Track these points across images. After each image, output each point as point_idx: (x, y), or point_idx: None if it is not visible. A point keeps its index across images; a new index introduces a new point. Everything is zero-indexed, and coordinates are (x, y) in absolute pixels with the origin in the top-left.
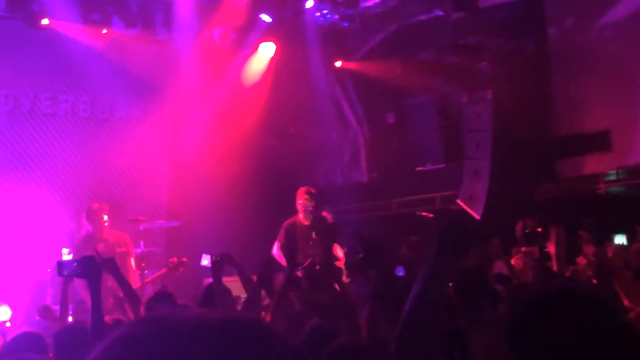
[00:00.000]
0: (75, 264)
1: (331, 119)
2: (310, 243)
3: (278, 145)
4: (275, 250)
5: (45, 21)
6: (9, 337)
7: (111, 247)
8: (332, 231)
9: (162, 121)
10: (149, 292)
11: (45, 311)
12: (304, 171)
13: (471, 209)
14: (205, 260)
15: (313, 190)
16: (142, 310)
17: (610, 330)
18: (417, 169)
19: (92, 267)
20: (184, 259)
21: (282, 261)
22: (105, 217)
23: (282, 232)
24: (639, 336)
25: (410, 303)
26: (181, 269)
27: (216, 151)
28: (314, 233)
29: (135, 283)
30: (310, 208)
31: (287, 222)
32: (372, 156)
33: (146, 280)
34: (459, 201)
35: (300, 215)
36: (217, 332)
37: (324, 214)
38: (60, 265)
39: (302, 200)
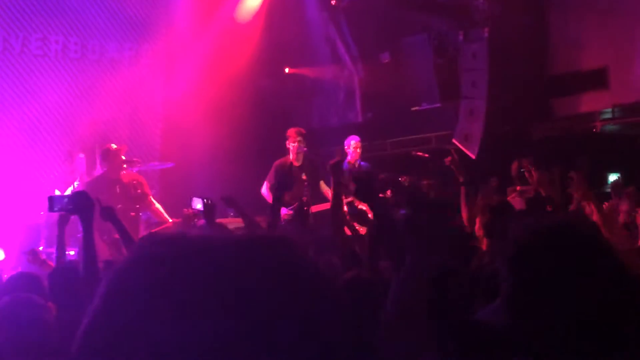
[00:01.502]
0: (66, 199)
1: (325, 58)
2: (305, 185)
3: (272, 85)
4: (264, 189)
5: None
6: (3, 279)
7: (127, 189)
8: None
9: (155, 62)
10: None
11: (32, 255)
12: (298, 111)
13: (466, 148)
14: (198, 204)
15: (304, 131)
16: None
17: (598, 258)
18: (413, 108)
19: (84, 202)
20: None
21: (270, 200)
22: (123, 158)
23: (272, 171)
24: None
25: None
26: (196, 220)
27: (209, 92)
28: (304, 174)
29: (164, 219)
30: (305, 149)
31: (277, 162)
32: (367, 96)
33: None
34: (454, 140)
35: (291, 156)
36: (245, 249)
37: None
38: (52, 200)
39: (295, 142)
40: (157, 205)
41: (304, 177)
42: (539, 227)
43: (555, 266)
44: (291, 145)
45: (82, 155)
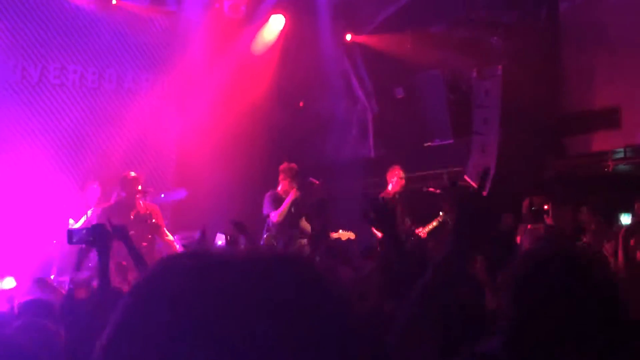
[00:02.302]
0: (84, 231)
1: (340, 92)
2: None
3: (286, 118)
4: (273, 215)
5: None
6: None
7: (142, 218)
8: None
9: (171, 93)
10: None
11: (41, 283)
12: (311, 145)
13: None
14: (220, 240)
15: (295, 167)
16: None
17: (600, 288)
18: (425, 144)
19: (102, 235)
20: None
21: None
22: (140, 187)
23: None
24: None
25: (429, 277)
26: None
27: (224, 123)
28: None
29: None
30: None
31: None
32: (380, 131)
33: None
34: (466, 177)
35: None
36: (266, 267)
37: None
38: (70, 233)
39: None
40: (170, 237)
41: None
42: (536, 258)
43: (553, 298)
44: (285, 181)
45: (95, 185)
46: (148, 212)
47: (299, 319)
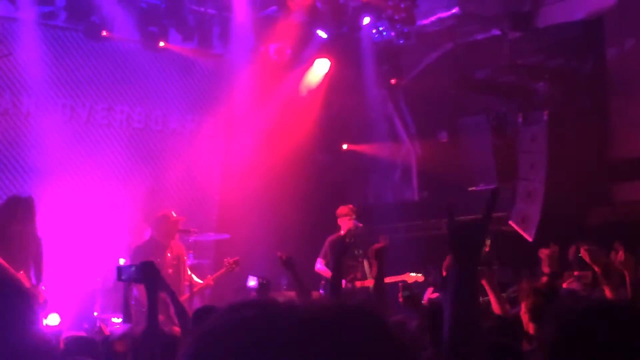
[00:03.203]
0: (133, 268)
1: (383, 135)
2: (358, 260)
3: (329, 160)
4: (320, 265)
5: (104, 33)
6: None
7: (176, 258)
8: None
9: (215, 134)
10: (196, 304)
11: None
12: (354, 187)
13: (524, 231)
14: (252, 282)
15: (355, 208)
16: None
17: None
18: (470, 188)
19: (151, 272)
20: (237, 258)
21: (327, 274)
22: (179, 229)
23: (326, 247)
24: None
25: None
26: (237, 268)
27: (267, 166)
28: (356, 250)
29: (183, 291)
30: (359, 224)
31: (331, 238)
32: (424, 174)
33: (202, 284)
34: (511, 222)
35: (343, 232)
36: (332, 320)
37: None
38: (119, 270)
39: (349, 218)
40: (188, 273)
41: (356, 252)
42: (581, 309)
43: (599, 353)
44: (345, 221)
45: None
46: (180, 252)
47: None
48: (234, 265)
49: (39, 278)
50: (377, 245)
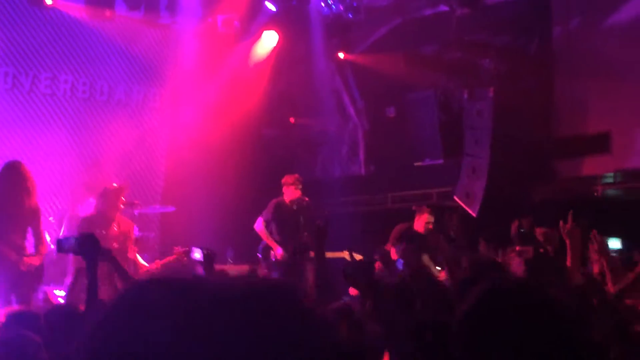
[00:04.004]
0: (73, 240)
1: (331, 110)
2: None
3: (277, 134)
4: (259, 225)
5: (49, 1)
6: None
7: (123, 234)
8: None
9: (162, 106)
10: None
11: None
12: (301, 161)
13: (468, 206)
14: (197, 254)
15: (301, 178)
16: None
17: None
18: (416, 163)
19: (90, 244)
20: (187, 249)
21: (264, 236)
22: (123, 199)
23: (269, 208)
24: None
25: None
26: (185, 260)
27: (214, 138)
28: (301, 217)
29: (130, 269)
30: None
31: (275, 200)
32: (371, 149)
33: (149, 267)
34: (455, 197)
35: (286, 199)
36: (241, 296)
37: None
38: (59, 242)
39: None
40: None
41: (301, 220)
42: (487, 287)
43: (505, 331)
44: (290, 190)
45: (91, 199)
46: (126, 228)
47: (282, 349)
48: (183, 256)
49: (38, 248)
50: (316, 223)
